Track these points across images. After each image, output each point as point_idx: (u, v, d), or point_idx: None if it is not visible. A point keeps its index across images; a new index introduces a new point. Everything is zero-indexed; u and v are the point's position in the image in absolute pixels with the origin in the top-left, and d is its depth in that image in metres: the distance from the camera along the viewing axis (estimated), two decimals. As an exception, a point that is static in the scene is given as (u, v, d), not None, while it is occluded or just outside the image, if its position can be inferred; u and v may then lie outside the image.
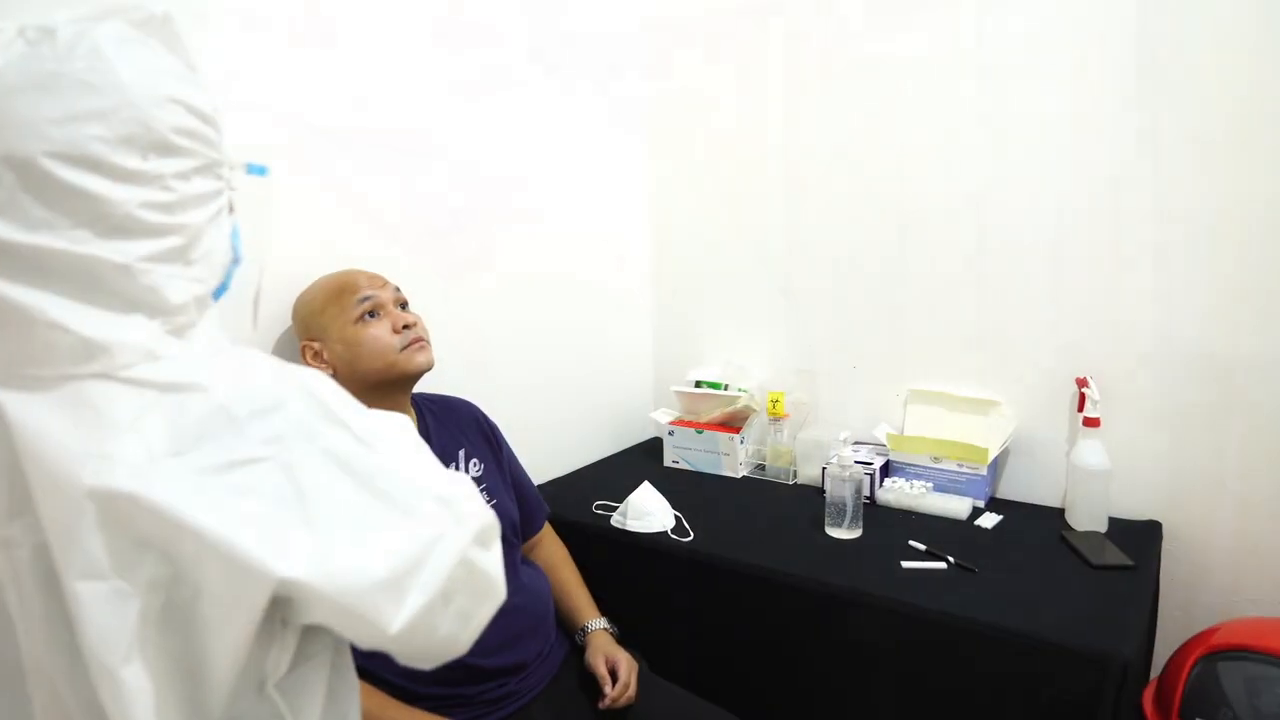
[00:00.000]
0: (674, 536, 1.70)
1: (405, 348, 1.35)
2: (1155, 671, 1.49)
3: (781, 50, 2.07)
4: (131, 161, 0.67)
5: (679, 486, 1.94)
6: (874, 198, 1.97)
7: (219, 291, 0.81)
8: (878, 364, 2.03)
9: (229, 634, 0.66)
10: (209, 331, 0.76)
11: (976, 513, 1.76)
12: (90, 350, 0.66)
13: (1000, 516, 1.73)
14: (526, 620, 1.42)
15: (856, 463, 1.76)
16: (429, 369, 1.38)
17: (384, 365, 1.34)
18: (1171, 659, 1.44)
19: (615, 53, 2.21)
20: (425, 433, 1.45)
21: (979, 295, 1.86)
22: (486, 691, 1.33)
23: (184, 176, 0.71)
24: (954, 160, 1.85)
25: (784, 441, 2.03)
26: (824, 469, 1.85)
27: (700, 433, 2.09)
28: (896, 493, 1.82)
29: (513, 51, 1.90)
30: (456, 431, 1.51)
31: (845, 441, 1.70)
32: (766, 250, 2.16)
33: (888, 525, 1.71)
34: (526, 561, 1.56)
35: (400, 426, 0.75)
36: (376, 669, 1.26)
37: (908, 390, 1.98)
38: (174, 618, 0.65)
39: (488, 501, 1.37)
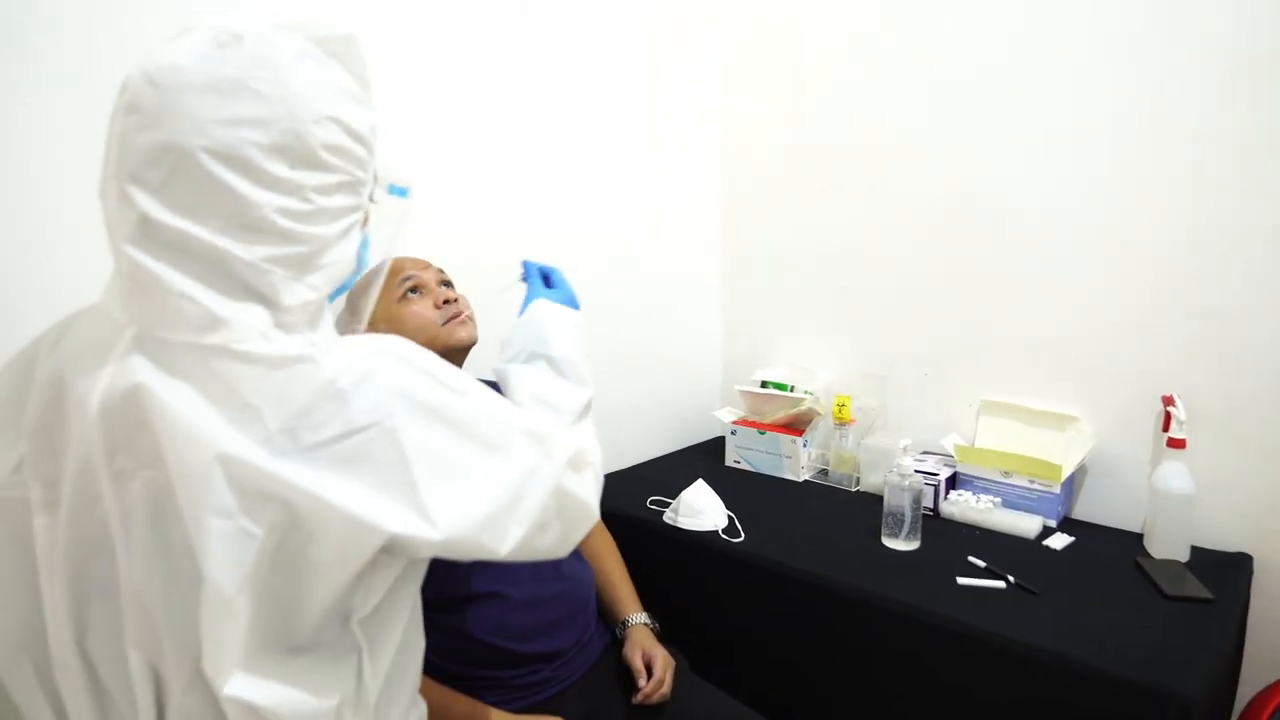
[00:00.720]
0: (724, 536, 1.68)
1: (446, 322, 1.37)
2: (1236, 715, 1.39)
3: (852, 44, 2.02)
4: (279, 169, 0.72)
5: (738, 487, 1.92)
6: (952, 197, 1.90)
7: (335, 292, 0.86)
8: (950, 371, 1.95)
9: (332, 577, 0.74)
10: (320, 331, 0.80)
11: (1046, 532, 1.67)
12: (214, 322, 0.71)
13: (1071, 538, 1.64)
14: (565, 608, 1.42)
15: (921, 473, 1.71)
16: (472, 343, 1.40)
17: (425, 340, 1.36)
18: (1252, 703, 1.34)
19: (687, 46, 2.20)
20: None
21: (1060, 302, 1.76)
22: (520, 676, 1.34)
23: (325, 191, 0.75)
24: (1038, 161, 1.76)
25: (848, 447, 1.98)
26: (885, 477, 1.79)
27: (762, 434, 2.06)
28: (961, 506, 1.75)
29: (585, 42, 1.92)
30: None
31: (906, 450, 1.64)
32: (839, 249, 2.11)
33: (949, 539, 1.65)
34: (575, 553, 1.57)
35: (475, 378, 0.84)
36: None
37: (980, 400, 1.90)
38: (285, 558, 0.72)
39: None
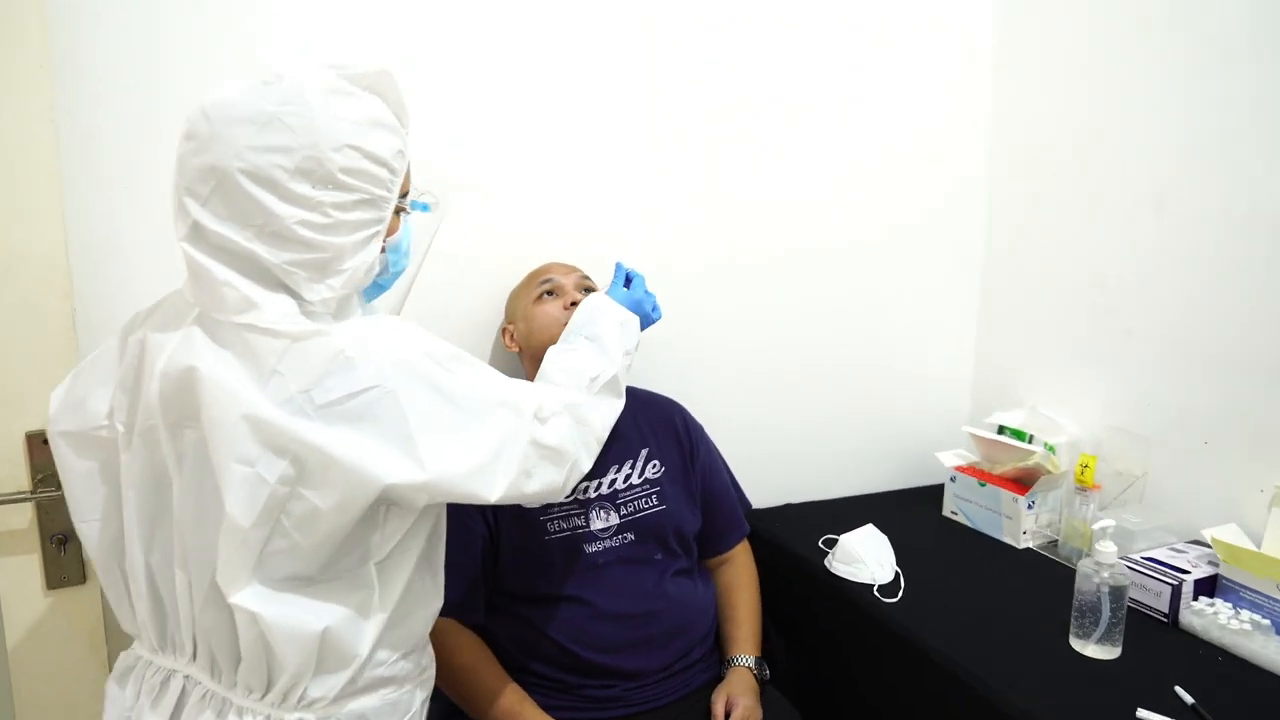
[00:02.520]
0: (878, 594, 1.48)
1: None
2: None
3: (1137, 34, 1.62)
4: (302, 188, 0.86)
5: (944, 541, 1.71)
6: (1260, 216, 1.44)
7: (379, 290, 1.04)
8: (1239, 442, 1.49)
9: (337, 521, 0.89)
10: (346, 321, 0.93)
11: (1326, 681, 1.21)
12: (249, 304, 0.88)
13: (1363, 697, 1.17)
14: (656, 630, 1.38)
15: (1166, 567, 1.35)
16: None
17: (549, 339, 1.41)
18: None
19: (956, 30, 1.94)
20: (614, 422, 1.50)
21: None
22: (589, 687, 1.34)
23: (344, 207, 0.89)
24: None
25: (1085, 517, 1.61)
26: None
27: (983, 485, 1.76)
28: (1209, 620, 1.33)
29: (837, 29, 1.82)
30: (646, 430, 1.52)
31: (1106, 531, 1.30)
32: (1111, 275, 1.72)
33: (1169, 657, 1.27)
34: (697, 575, 1.51)
35: (472, 357, 0.99)
36: (496, 632, 1.35)
37: (1276, 487, 1.42)
38: (295, 505, 0.88)
39: (656, 506, 1.40)
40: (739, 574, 1.56)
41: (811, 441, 1.95)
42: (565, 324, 1.40)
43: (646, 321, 1.34)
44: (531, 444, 0.98)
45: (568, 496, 1.39)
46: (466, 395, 0.94)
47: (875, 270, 1.96)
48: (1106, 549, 1.28)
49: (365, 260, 0.93)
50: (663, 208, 1.73)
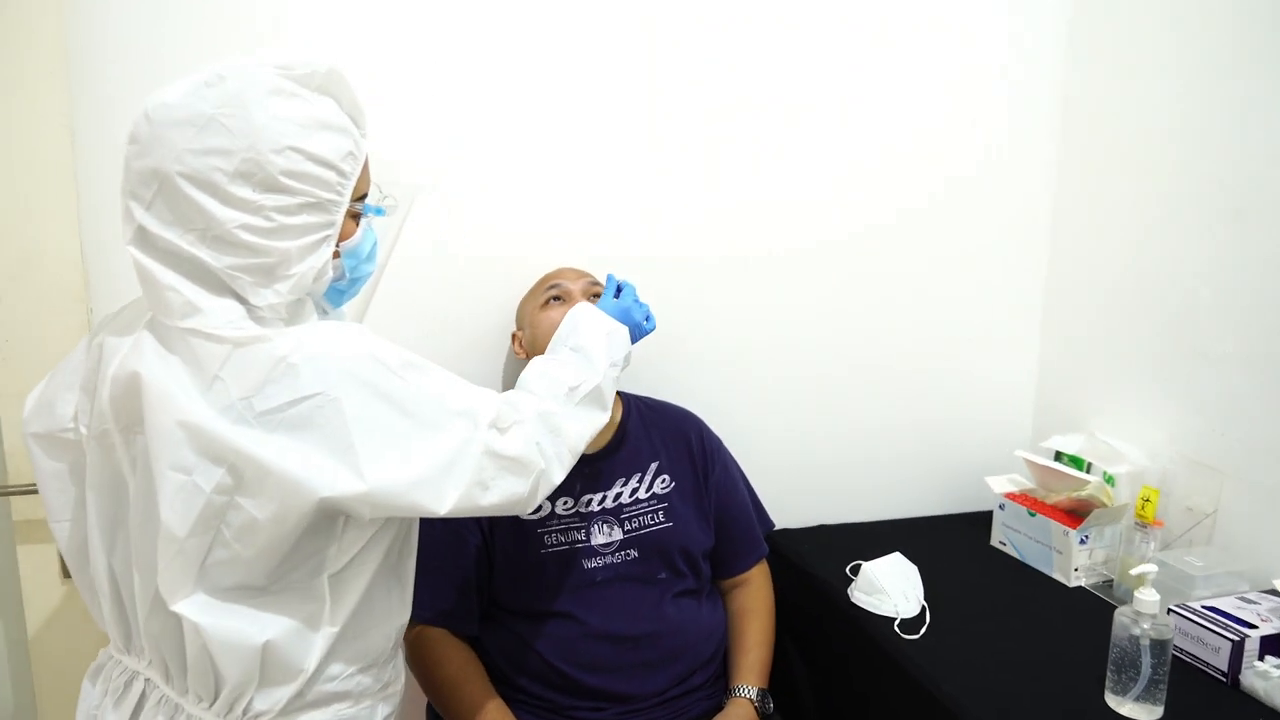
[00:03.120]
0: (898, 630, 1.38)
1: None
2: None
3: (1220, 30, 1.45)
4: (242, 191, 0.84)
5: (988, 573, 1.58)
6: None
7: (342, 296, 1.01)
8: (1325, 482, 1.31)
9: (275, 531, 0.87)
10: (298, 324, 0.91)
11: None
12: (193, 308, 0.87)
13: None
14: (653, 653, 1.32)
15: (1229, 620, 1.21)
16: None
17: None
18: None
19: (1025, 26, 1.80)
20: (622, 433, 1.44)
21: None
22: (579, 709, 1.29)
23: (287, 210, 0.86)
24: None
25: (1146, 556, 1.46)
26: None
27: (1033, 515, 1.62)
28: (1274, 683, 1.17)
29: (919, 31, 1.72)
30: (657, 442, 1.46)
31: (1146, 576, 1.16)
32: (1186, 293, 1.55)
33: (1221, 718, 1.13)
34: (706, 597, 1.44)
35: (430, 364, 0.95)
36: (488, 644, 1.33)
37: (1366, 534, 1.24)
38: (233, 515, 0.86)
39: (663, 523, 1.34)
40: (753, 598, 1.48)
41: (850, 458, 1.84)
42: None
43: (639, 332, 1.28)
44: (487, 454, 0.93)
45: (567, 509, 1.36)
46: (418, 403, 0.91)
47: (927, 274, 1.82)
48: (1148, 597, 1.15)
49: (314, 265, 0.90)
50: (690, 202, 1.65)
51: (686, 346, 1.68)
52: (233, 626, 0.88)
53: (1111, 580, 1.53)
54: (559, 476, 1.02)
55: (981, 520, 1.79)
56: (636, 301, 1.30)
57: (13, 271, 1.26)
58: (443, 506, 0.90)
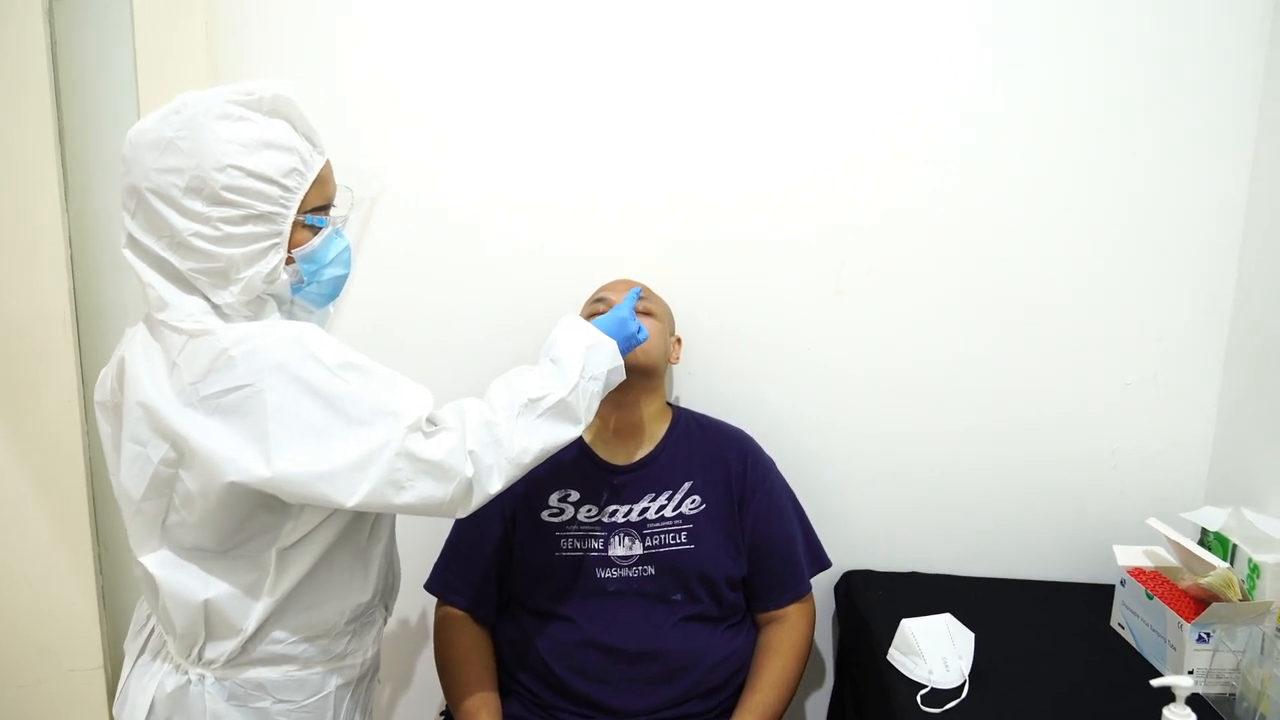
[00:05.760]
0: (919, 699, 1.23)
1: None
2: None
3: None
4: (196, 205, 0.98)
5: (1081, 660, 1.36)
6: None
7: (326, 295, 1.12)
8: None
9: (205, 505, 0.99)
10: (260, 320, 1.04)
11: None
12: (164, 303, 1.02)
13: None
14: (648, 671, 1.31)
15: None
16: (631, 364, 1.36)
17: None
18: None
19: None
20: (660, 448, 1.43)
21: None
22: (565, 712, 1.31)
23: (233, 221, 0.98)
24: None
25: (1274, 670, 1.16)
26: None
27: (1150, 598, 1.35)
28: None
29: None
30: (695, 462, 1.43)
31: (1180, 691, 0.93)
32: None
33: None
34: (726, 625, 1.39)
35: (377, 367, 1.02)
36: (500, 633, 1.40)
37: None
38: (179, 485, 1.00)
39: (684, 545, 1.36)
40: (783, 637, 1.39)
41: (963, 502, 1.64)
42: None
43: (632, 342, 1.26)
44: (404, 455, 0.97)
45: (590, 516, 1.39)
46: (348, 401, 0.97)
47: (1082, 297, 1.58)
48: (1182, 716, 0.93)
49: (261, 270, 0.99)
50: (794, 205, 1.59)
51: (790, 371, 1.62)
52: (181, 581, 1.02)
53: (1234, 693, 1.23)
54: (496, 487, 1.04)
55: (1108, 595, 1.52)
56: (632, 312, 1.27)
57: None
58: (349, 500, 0.96)
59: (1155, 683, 1.04)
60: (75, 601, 1.62)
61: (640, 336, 1.26)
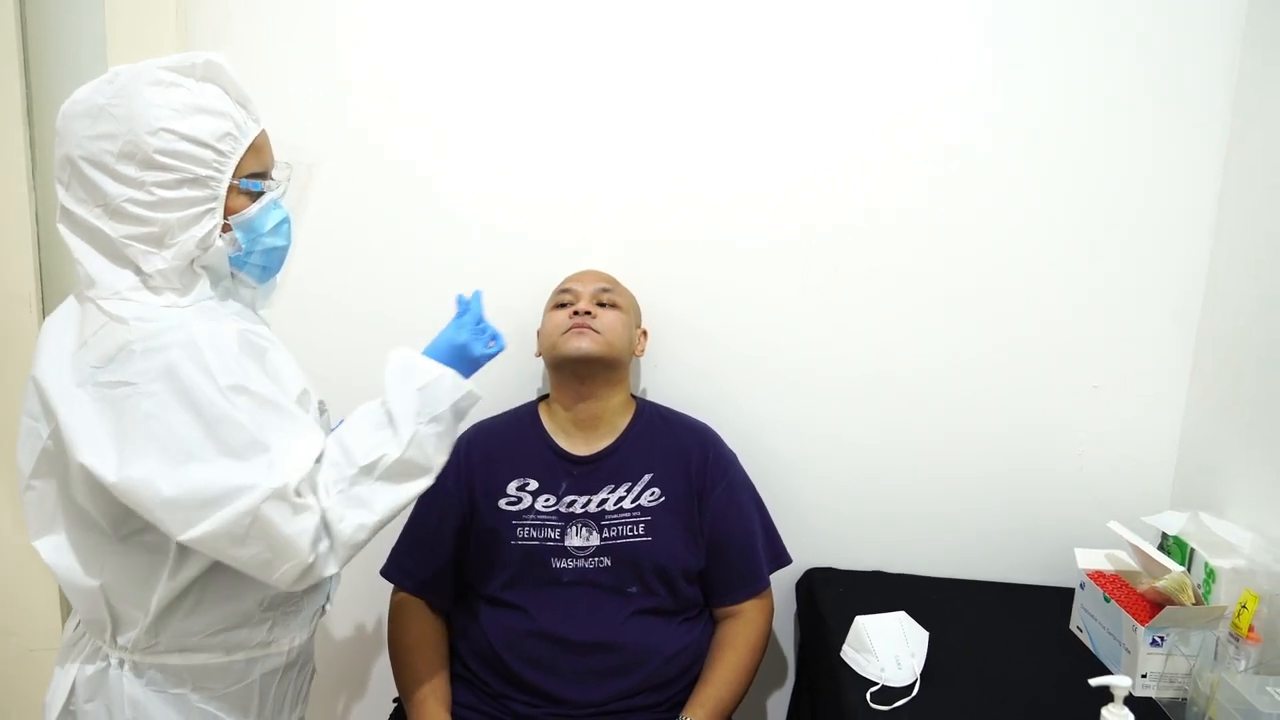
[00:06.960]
0: (868, 697, 1.22)
1: (565, 331, 1.37)
2: None
3: None
4: (129, 170, 0.97)
5: (1036, 663, 1.35)
6: None
7: (266, 268, 1.10)
8: None
9: (81, 486, 0.97)
10: (191, 294, 1.02)
11: None
12: (90, 280, 1.00)
13: None
14: (596, 663, 1.30)
15: None
16: (583, 355, 1.36)
17: (548, 346, 1.40)
18: None
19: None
20: (621, 439, 1.43)
21: None
22: (514, 700, 1.30)
23: (167, 185, 0.97)
24: None
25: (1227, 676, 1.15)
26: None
27: (1107, 601, 1.34)
28: None
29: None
30: (656, 454, 1.42)
31: (1118, 690, 0.93)
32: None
33: None
34: (681, 618, 1.38)
35: (274, 397, 0.97)
36: (454, 621, 1.39)
37: None
38: (72, 465, 0.96)
39: (642, 536, 1.35)
40: (736, 633, 1.39)
41: (929, 503, 1.64)
42: (566, 332, 1.38)
43: (479, 361, 1.13)
44: (255, 516, 0.91)
45: (548, 506, 1.38)
46: (226, 427, 0.92)
47: (1055, 301, 1.59)
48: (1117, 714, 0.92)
49: (196, 235, 0.98)
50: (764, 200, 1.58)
51: (758, 369, 1.62)
52: (72, 567, 1.00)
53: (1184, 697, 1.22)
54: (329, 571, 0.98)
55: (1068, 597, 1.52)
56: (480, 321, 1.15)
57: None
58: (180, 535, 0.91)
59: (1093, 682, 1.04)
60: (35, 584, 1.61)
61: (493, 350, 1.14)
